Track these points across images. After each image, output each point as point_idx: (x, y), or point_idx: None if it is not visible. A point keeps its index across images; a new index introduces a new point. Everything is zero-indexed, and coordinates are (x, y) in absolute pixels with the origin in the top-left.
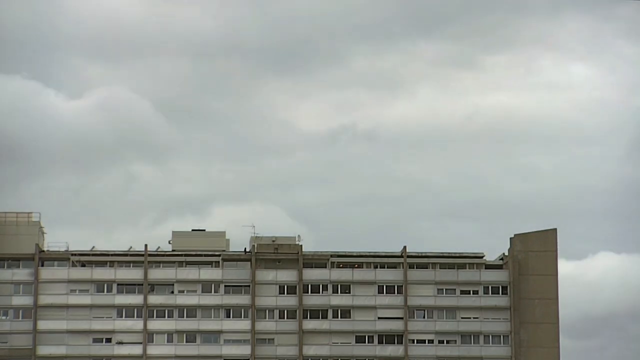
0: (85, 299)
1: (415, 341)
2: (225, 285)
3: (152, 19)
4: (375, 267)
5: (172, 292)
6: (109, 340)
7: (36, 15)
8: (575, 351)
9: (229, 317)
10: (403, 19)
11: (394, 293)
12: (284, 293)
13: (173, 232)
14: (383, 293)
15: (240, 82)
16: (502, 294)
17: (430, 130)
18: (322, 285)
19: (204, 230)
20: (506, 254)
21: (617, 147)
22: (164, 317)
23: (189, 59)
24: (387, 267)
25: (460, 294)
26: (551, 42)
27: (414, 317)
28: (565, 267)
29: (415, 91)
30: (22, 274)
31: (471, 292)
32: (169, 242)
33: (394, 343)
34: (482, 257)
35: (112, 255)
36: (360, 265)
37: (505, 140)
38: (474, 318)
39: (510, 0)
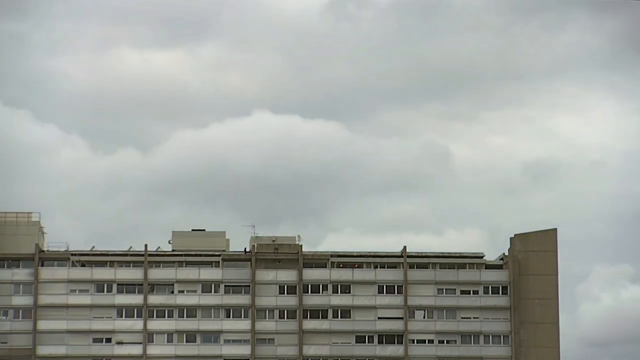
0: (85, 299)
1: (415, 341)
2: (225, 285)
3: (203, 85)
4: (375, 267)
5: (172, 292)
6: (109, 340)
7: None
8: None
9: (229, 317)
10: (417, 84)
11: (394, 293)
12: (284, 293)
13: (173, 232)
14: (383, 293)
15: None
16: (502, 294)
17: (431, 168)
18: (322, 285)
19: (204, 230)
20: (506, 254)
21: (605, 183)
22: (164, 317)
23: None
24: (387, 267)
25: (460, 294)
26: (544, 100)
27: (414, 317)
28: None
29: (423, 138)
30: (22, 274)
31: (471, 292)
32: (169, 242)
33: (394, 343)
34: (482, 257)
35: (112, 255)
36: (360, 265)
37: (502, 177)
38: (474, 318)
39: (508, 68)
